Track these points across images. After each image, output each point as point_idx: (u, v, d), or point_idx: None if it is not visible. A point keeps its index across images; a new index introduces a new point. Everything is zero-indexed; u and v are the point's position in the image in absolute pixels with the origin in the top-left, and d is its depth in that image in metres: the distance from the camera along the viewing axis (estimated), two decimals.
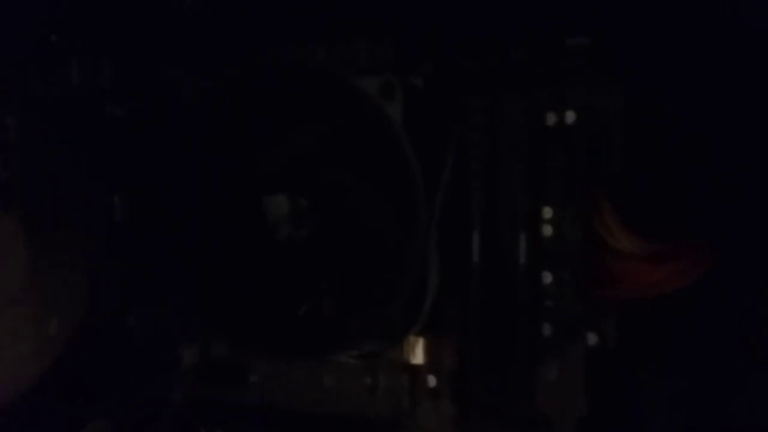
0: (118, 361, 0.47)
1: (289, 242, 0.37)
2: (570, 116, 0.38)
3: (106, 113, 0.46)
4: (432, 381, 0.42)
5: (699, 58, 0.36)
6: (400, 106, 0.34)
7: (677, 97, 0.37)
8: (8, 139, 0.44)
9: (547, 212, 0.39)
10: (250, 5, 0.43)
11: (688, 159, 0.36)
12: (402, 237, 0.34)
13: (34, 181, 0.44)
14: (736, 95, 0.36)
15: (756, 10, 0.34)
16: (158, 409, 0.48)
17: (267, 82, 0.36)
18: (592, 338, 0.39)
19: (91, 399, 0.47)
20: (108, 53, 0.46)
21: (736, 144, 0.36)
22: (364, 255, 0.35)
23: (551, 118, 0.38)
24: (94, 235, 0.46)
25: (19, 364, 0.43)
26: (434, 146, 0.37)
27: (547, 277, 0.39)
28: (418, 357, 0.41)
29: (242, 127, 0.37)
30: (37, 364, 0.44)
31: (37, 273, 0.43)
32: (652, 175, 0.37)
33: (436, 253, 0.37)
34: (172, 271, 0.41)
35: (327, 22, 0.41)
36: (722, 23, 0.35)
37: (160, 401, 0.48)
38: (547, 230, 0.39)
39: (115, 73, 0.46)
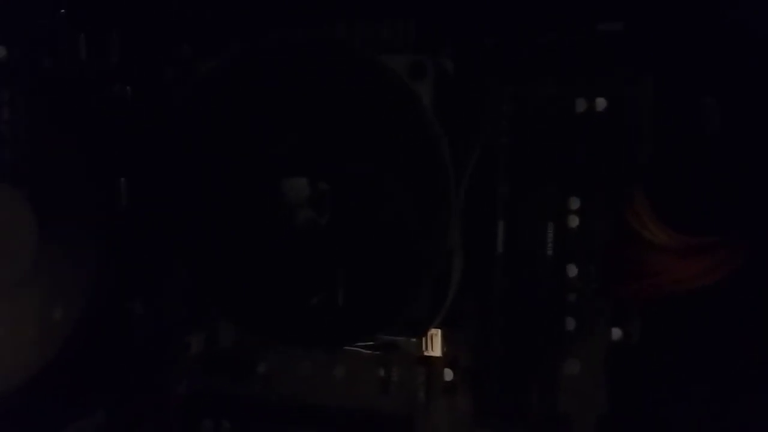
0: (123, 349, 0.46)
1: (307, 228, 0.35)
2: (601, 103, 0.37)
3: (114, 92, 0.45)
4: (449, 375, 0.41)
5: (734, 48, 0.35)
6: (430, 89, 0.33)
7: (710, 88, 0.36)
8: (11, 115, 0.43)
9: (574, 202, 0.37)
10: None
11: (722, 151, 0.35)
12: (426, 226, 0.33)
13: (39, 162, 0.43)
14: None
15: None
16: (163, 399, 0.47)
17: (287, 57, 0.34)
18: (616, 333, 0.38)
19: (95, 387, 0.46)
20: (117, 29, 0.44)
21: None
22: (385, 244, 0.34)
23: (581, 105, 0.37)
24: (99, 219, 0.45)
25: (25, 350, 0.42)
26: (461, 133, 0.36)
27: (572, 270, 0.38)
28: (435, 349, 0.40)
29: (258, 107, 0.36)
30: (42, 351, 0.43)
31: (42, 257, 0.42)
32: (685, 167, 0.36)
33: (460, 243, 0.36)
34: (181, 256, 0.39)
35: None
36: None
37: (165, 391, 0.47)
38: (574, 221, 0.38)
39: (123, 51, 0.44)
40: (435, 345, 0.40)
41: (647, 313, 0.37)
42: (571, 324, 0.38)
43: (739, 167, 0.36)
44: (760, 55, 0.35)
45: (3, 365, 0.42)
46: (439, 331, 0.40)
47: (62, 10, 0.42)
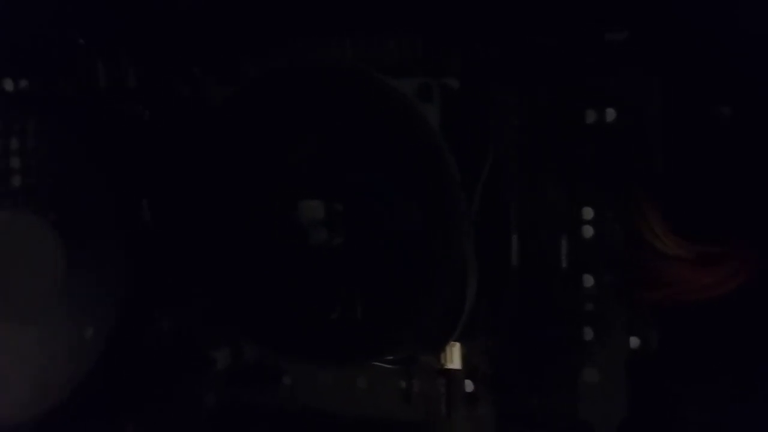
0: (151, 364, 0.47)
1: (324, 247, 0.36)
2: (610, 114, 0.37)
3: (133, 115, 0.46)
4: (469, 386, 0.41)
5: (742, 51, 0.34)
6: (437, 110, 0.33)
7: (721, 94, 0.36)
8: (35, 143, 0.44)
9: (588, 213, 0.37)
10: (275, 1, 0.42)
11: (734, 158, 0.35)
12: (441, 243, 0.33)
13: (62, 185, 0.44)
14: None
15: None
16: (191, 412, 0.48)
17: (300, 82, 0.35)
18: (634, 341, 0.38)
19: (125, 404, 0.47)
20: (133, 54, 0.45)
21: None
22: (400, 261, 0.34)
23: (591, 116, 0.37)
24: (123, 239, 0.46)
25: (57, 371, 0.43)
26: (471, 148, 0.36)
27: (589, 280, 0.38)
28: (454, 361, 0.40)
29: (274, 129, 0.36)
30: (74, 371, 0.44)
31: (71, 278, 0.43)
32: (697, 175, 0.36)
33: (474, 257, 0.36)
34: (203, 274, 0.40)
35: (352, 18, 0.40)
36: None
37: (193, 405, 0.48)
38: (588, 232, 0.38)
39: (140, 75, 0.45)
40: (454, 357, 0.40)
41: (665, 321, 0.37)
42: (589, 334, 0.38)
43: (754, 173, 0.35)
44: None
45: (39, 386, 0.43)
46: (458, 343, 0.40)
47: (80, 41, 0.43)
